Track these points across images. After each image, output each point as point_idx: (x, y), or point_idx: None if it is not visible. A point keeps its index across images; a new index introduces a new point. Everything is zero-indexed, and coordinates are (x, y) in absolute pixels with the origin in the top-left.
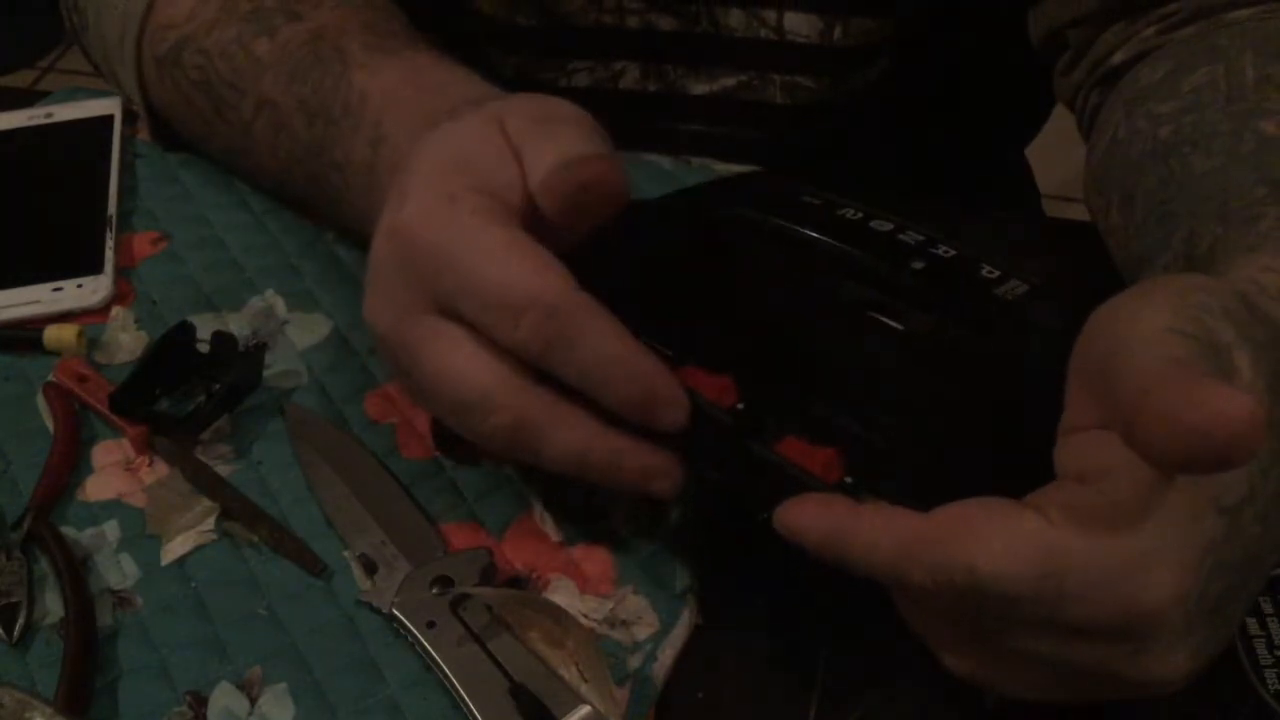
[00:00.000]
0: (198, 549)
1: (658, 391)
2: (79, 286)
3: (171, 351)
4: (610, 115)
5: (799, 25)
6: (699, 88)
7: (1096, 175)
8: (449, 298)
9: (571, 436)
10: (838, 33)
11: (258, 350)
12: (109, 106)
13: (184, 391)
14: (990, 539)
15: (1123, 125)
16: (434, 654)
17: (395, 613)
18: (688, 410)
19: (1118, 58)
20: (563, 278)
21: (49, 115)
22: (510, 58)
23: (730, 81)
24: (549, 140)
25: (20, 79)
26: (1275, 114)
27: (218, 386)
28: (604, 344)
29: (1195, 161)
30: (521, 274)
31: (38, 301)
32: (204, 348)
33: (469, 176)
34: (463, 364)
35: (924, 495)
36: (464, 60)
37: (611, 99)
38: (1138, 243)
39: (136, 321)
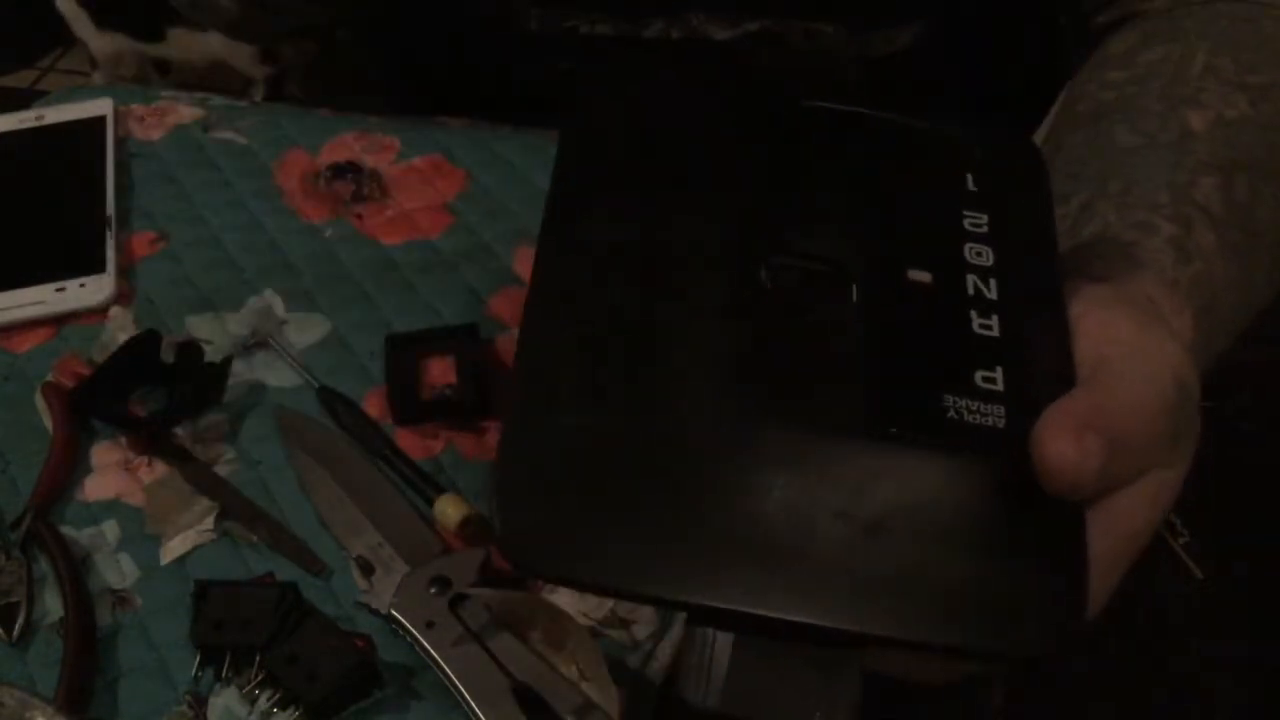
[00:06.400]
0: (197, 548)
1: None
2: (81, 286)
3: (135, 358)
4: (633, 63)
5: None
6: (721, 33)
7: (1051, 124)
8: None
9: None
10: None
11: (223, 364)
12: (101, 107)
13: (145, 397)
14: None
15: (1079, 85)
16: (434, 654)
17: (394, 613)
18: None
19: (1101, 19)
20: None
21: (40, 118)
22: (533, 7)
23: (753, 26)
24: None
25: (20, 79)
26: (1206, 107)
27: (174, 395)
28: None
29: (1120, 134)
30: None
31: (42, 302)
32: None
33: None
34: None
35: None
36: (489, 7)
37: (634, 47)
38: None
39: (135, 321)
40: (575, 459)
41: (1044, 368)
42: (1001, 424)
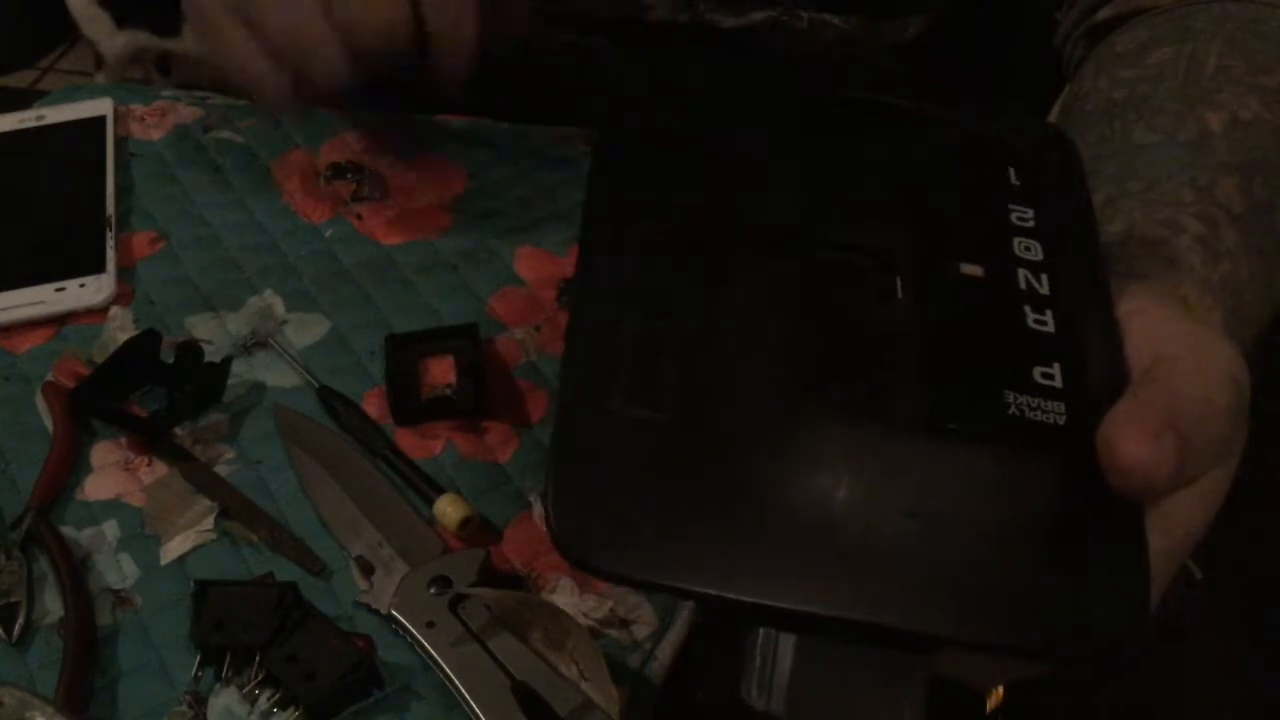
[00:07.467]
0: (197, 548)
1: None
2: (81, 286)
3: (135, 358)
4: (636, 41)
5: None
6: (728, 21)
7: (1055, 121)
8: None
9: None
10: None
11: (223, 364)
12: (101, 107)
13: (145, 397)
14: None
15: (1087, 82)
16: (434, 654)
17: (394, 613)
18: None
19: (1104, 13)
20: None
21: (40, 118)
22: None
23: (759, 16)
24: None
25: (20, 79)
26: (1222, 107)
27: (174, 396)
28: None
29: (1136, 131)
30: None
31: (42, 302)
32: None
33: None
34: None
35: None
36: None
37: (639, 31)
38: None
39: (135, 321)
40: (630, 454)
41: (1099, 364)
42: (1062, 421)
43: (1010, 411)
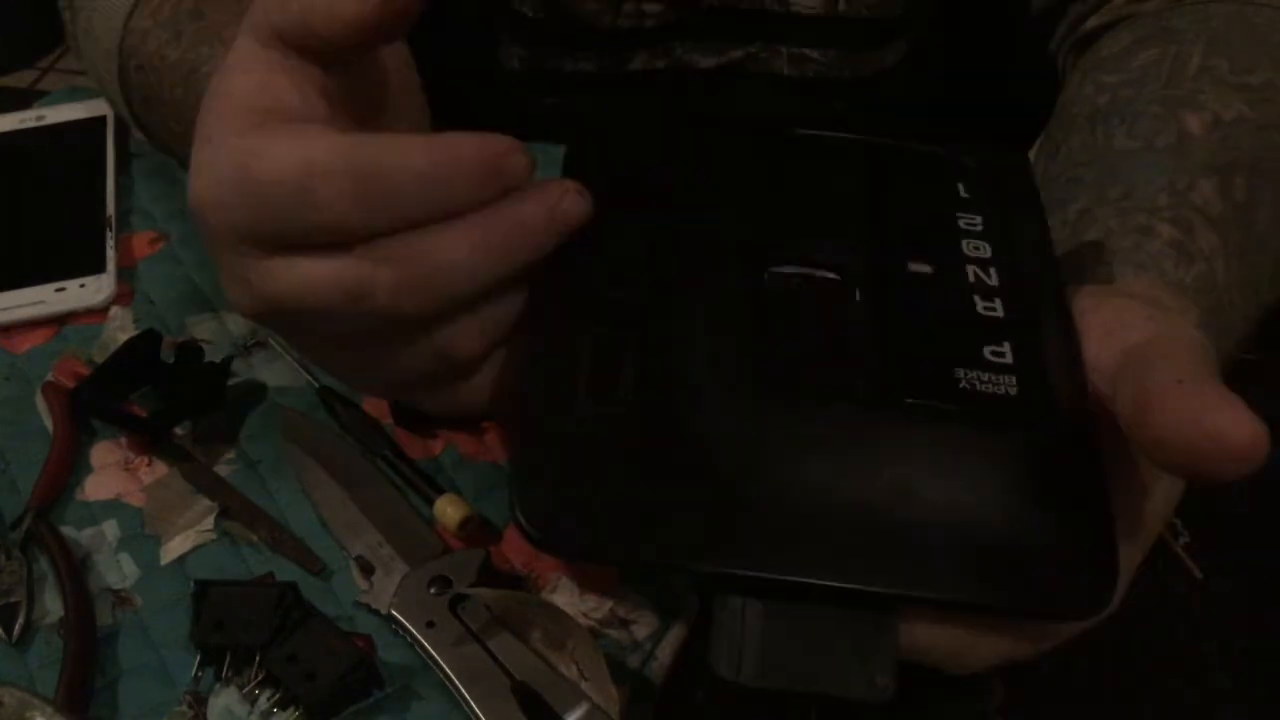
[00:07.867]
0: (197, 548)
1: (486, 154)
2: (81, 286)
3: (135, 358)
4: (619, 94)
5: None
6: (706, 61)
7: (1046, 129)
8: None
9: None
10: (841, 3)
11: (223, 364)
12: (101, 107)
13: (145, 397)
14: None
15: (1073, 88)
16: (434, 654)
17: (394, 613)
18: (524, 148)
19: (1091, 23)
20: (320, 134)
21: (40, 118)
22: (515, 47)
23: (737, 54)
24: None
25: (20, 79)
26: (1203, 109)
27: (174, 395)
28: (410, 156)
29: (1117, 137)
30: (279, 158)
31: (42, 302)
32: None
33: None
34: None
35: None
36: (471, 46)
37: (619, 81)
38: (1045, 192)
39: (135, 321)
40: (592, 438)
41: (1050, 342)
42: (1014, 392)
43: (962, 385)
